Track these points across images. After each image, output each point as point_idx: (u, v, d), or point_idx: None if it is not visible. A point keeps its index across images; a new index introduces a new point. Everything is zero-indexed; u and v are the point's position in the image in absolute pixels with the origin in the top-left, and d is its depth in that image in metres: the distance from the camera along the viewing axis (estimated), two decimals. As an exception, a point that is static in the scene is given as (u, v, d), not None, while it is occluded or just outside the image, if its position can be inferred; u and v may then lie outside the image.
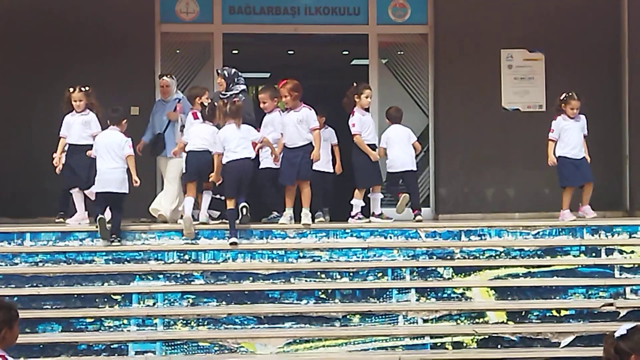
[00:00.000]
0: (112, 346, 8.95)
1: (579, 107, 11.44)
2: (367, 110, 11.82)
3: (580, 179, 11.46)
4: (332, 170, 11.86)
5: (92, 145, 10.90)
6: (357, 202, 11.52)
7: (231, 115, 10.77)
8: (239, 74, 11.63)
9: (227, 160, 10.67)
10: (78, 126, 11.27)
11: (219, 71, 11.82)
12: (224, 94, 11.44)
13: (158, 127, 11.91)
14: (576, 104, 11.41)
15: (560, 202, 11.46)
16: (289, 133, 11.01)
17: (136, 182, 10.61)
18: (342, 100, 11.80)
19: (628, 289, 9.98)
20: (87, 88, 11.32)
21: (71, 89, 11.33)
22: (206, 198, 11.05)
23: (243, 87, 11.61)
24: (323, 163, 11.52)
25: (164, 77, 12.05)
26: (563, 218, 11.30)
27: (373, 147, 11.67)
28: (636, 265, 10.34)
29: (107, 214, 10.52)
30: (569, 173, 11.41)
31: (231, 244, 10.32)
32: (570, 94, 11.48)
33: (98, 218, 10.33)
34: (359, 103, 11.60)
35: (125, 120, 10.87)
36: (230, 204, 10.59)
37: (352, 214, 11.46)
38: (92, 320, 9.27)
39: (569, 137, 11.42)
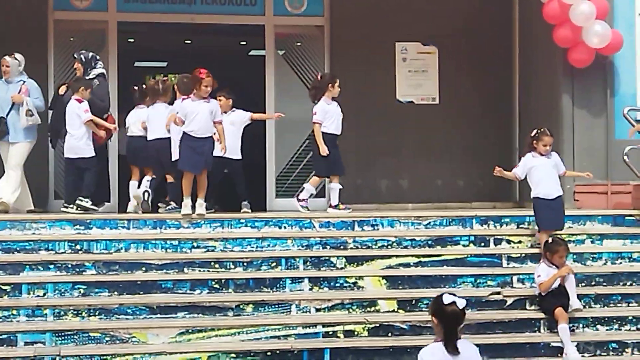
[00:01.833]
0: (0, 337, 8.79)
1: (552, 143, 10.47)
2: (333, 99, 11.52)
3: (553, 224, 10.46)
4: (239, 157, 11.78)
5: None
6: (309, 188, 11.45)
7: (163, 94, 11.49)
8: (97, 57, 11.62)
9: (148, 139, 11.50)
10: None
11: (75, 56, 11.66)
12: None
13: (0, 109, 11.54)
14: (549, 140, 10.36)
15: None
16: (199, 122, 10.72)
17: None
18: (309, 92, 11.71)
19: (515, 278, 10.22)
20: None
21: None
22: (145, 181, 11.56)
23: (101, 70, 11.59)
24: (231, 150, 11.45)
25: (5, 57, 11.63)
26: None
27: (336, 137, 11.45)
28: (523, 255, 10.58)
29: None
30: (541, 215, 10.44)
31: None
32: (542, 130, 10.41)
33: None
34: (331, 92, 11.37)
35: (82, 88, 11.11)
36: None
37: (300, 197, 11.38)
38: (-20, 311, 9.12)
39: (540, 176, 10.41)
